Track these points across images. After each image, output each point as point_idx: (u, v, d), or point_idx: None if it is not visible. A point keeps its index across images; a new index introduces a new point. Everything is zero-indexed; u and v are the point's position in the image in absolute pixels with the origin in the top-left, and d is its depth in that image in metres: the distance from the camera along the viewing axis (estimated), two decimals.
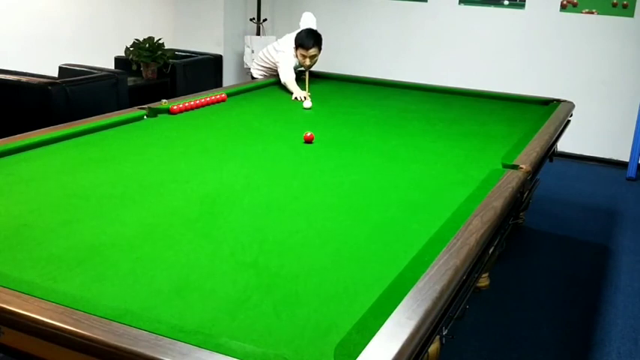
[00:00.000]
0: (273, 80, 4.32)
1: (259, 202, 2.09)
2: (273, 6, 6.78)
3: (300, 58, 4.20)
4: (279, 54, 4.26)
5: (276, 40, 4.64)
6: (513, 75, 5.81)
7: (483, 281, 2.95)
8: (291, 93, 3.94)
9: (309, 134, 2.82)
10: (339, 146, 2.85)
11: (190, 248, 1.72)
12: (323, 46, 4.25)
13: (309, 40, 4.15)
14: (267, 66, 4.48)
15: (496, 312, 3.05)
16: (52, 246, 1.67)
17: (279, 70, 4.20)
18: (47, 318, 1.28)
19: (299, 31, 4.26)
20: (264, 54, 4.49)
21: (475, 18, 5.92)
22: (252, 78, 4.57)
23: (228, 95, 3.68)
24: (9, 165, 2.32)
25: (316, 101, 3.67)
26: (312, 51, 4.16)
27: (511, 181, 2.29)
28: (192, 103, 3.33)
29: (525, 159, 2.59)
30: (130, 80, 5.01)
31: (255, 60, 4.65)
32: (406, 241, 1.79)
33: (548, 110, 3.67)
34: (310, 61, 4.19)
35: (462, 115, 3.63)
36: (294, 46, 4.21)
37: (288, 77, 4.10)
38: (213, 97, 3.51)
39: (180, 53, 5.85)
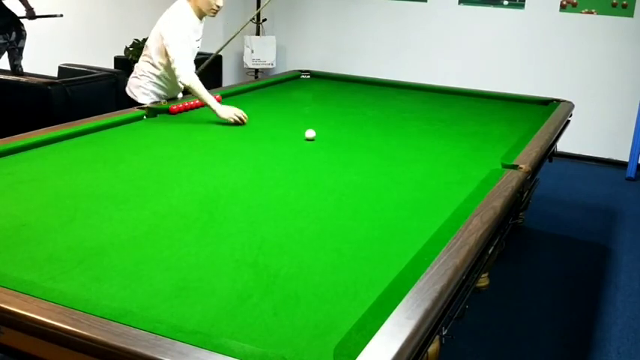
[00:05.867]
0: (273, 80, 4.31)
1: (259, 202, 2.09)
2: (273, 6, 6.77)
3: None
4: (166, 27, 3.03)
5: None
6: (513, 75, 5.81)
7: (483, 281, 2.95)
8: (206, 104, 3.00)
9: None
10: (339, 146, 2.84)
11: (190, 248, 1.72)
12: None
13: None
14: (157, 71, 3.25)
15: (496, 312, 3.05)
16: (51, 246, 1.67)
17: (173, 63, 3.00)
18: (46, 318, 1.28)
19: None
20: (145, 56, 3.26)
21: (475, 18, 5.92)
22: (137, 105, 3.23)
23: (229, 95, 3.68)
24: (9, 165, 2.31)
25: (316, 101, 3.67)
26: None
27: (511, 181, 2.29)
28: (191, 103, 3.33)
29: (525, 159, 2.59)
30: None
31: (133, 80, 3.33)
32: (406, 241, 1.79)
33: (548, 110, 3.66)
34: (222, 1, 3.12)
35: (461, 115, 3.63)
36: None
37: (194, 77, 3.00)
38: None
39: None
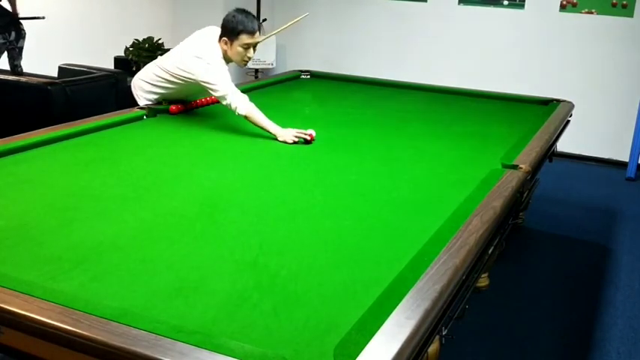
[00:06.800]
0: (273, 80, 4.32)
1: (259, 202, 2.09)
2: (273, 6, 6.78)
3: (239, 50, 2.95)
4: (208, 68, 2.90)
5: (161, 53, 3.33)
6: (513, 75, 5.81)
7: (483, 281, 2.95)
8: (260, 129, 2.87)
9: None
10: (339, 146, 2.84)
11: (190, 248, 1.72)
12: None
13: (251, 20, 2.95)
14: (169, 85, 3.15)
15: (496, 312, 3.05)
16: (52, 246, 1.67)
17: (224, 100, 2.90)
18: (46, 318, 1.28)
19: (227, 15, 2.96)
20: (159, 70, 3.14)
21: (475, 18, 5.92)
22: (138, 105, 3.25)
23: None
24: (9, 165, 2.31)
25: (316, 101, 3.67)
26: (258, 35, 2.99)
27: (511, 181, 2.29)
28: (191, 102, 3.33)
29: (525, 159, 2.59)
30: (130, 80, 5.01)
31: (140, 82, 3.27)
32: (406, 241, 1.79)
33: (548, 110, 3.66)
34: (254, 52, 3.05)
35: (461, 115, 3.63)
36: (221, 40, 2.97)
37: (250, 106, 2.88)
38: (212, 97, 3.50)
39: None
